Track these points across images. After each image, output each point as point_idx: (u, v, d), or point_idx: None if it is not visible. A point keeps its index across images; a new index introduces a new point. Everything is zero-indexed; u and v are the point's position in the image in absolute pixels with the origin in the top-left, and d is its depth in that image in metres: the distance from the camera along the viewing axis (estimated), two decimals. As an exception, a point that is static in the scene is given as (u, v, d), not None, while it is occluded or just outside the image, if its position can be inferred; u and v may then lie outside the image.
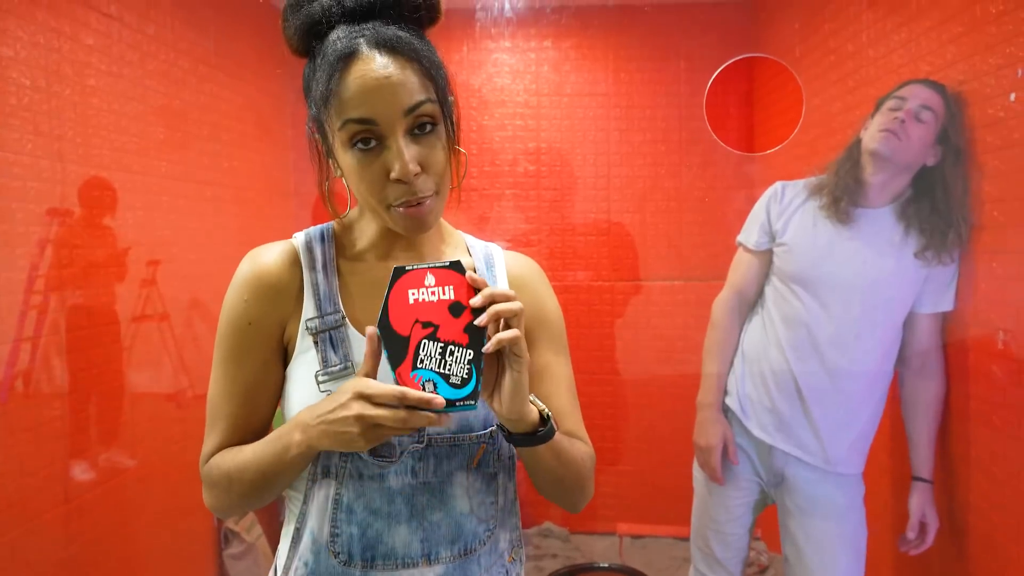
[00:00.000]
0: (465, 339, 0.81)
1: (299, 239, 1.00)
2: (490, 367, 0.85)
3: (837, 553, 1.84)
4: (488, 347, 0.81)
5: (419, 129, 0.86)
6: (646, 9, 3.27)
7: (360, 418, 0.78)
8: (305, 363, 0.93)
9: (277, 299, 0.95)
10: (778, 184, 1.96)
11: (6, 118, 1.83)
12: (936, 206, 1.73)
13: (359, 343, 0.93)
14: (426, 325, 0.81)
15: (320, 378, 0.91)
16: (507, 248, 1.11)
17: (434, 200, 0.89)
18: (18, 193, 1.87)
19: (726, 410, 1.97)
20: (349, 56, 0.85)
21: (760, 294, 1.97)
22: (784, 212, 1.91)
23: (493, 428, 0.95)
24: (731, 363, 1.99)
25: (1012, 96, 1.58)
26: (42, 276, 1.98)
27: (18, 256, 1.91)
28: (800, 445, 1.85)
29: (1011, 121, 1.59)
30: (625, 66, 3.29)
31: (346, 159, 0.87)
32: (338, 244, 1.01)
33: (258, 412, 0.97)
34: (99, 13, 2.15)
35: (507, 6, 3.04)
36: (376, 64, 0.85)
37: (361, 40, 0.86)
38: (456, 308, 0.82)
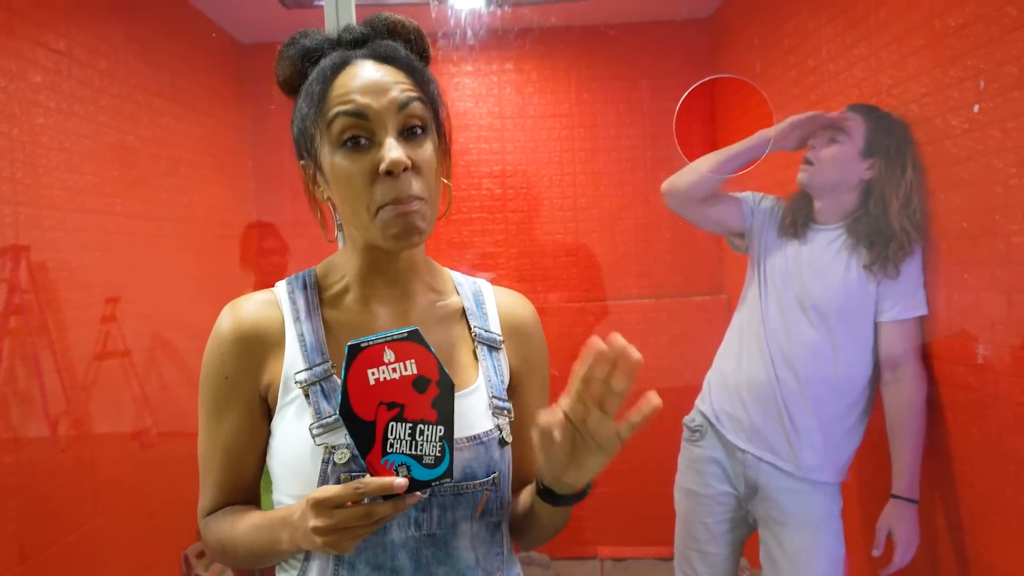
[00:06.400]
0: (434, 415, 0.77)
1: (281, 288, 0.96)
2: (564, 438, 0.81)
3: (812, 566, 1.82)
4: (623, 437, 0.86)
5: (410, 132, 0.86)
6: (607, 30, 3.28)
7: (318, 529, 0.74)
8: (290, 416, 0.89)
9: (255, 352, 0.92)
10: (748, 192, 2.00)
11: (-50, 161, 1.76)
12: (876, 219, 1.76)
13: None
14: (391, 406, 0.76)
15: (315, 431, 0.86)
16: (493, 280, 1.08)
17: (423, 206, 0.86)
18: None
19: (702, 417, 1.96)
20: (342, 64, 0.87)
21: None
22: (757, 214, 1.97)
23: (496, 475, 0.92)
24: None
25: (975, 107, 1.59)
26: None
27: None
28: (771, 449, 1.84)
29: (975, 132, 1.60)
30: (588, 86, 3.29)
31: (334, 162, 0.85)
32: (320, 288, 0.97)
33: (244, 469, 0.94)
34: (47, 49, 2.08)
35: (468, 31, 3.02)
36: (369, 68, 0.87)
37: (353, 53, 0.89)
38: (420, 383, 0.77)
